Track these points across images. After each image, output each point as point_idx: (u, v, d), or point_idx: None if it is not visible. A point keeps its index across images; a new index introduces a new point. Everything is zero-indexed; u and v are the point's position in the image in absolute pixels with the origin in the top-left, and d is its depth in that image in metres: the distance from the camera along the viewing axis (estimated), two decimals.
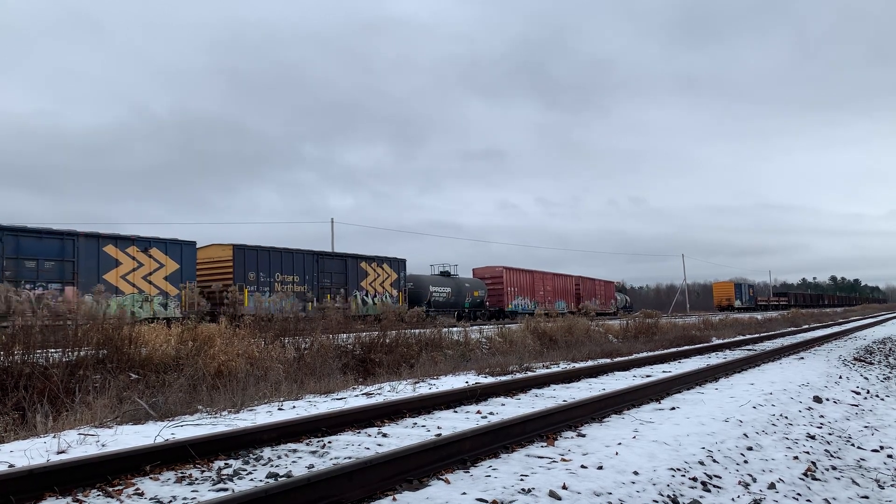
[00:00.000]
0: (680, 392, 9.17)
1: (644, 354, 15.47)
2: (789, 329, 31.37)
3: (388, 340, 14.15)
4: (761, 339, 22.68)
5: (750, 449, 5.96)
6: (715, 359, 14.91)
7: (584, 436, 6.10)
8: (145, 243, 21.14)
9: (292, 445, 5.71)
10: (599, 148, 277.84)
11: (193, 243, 22.90)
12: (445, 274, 37.49)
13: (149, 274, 21.04)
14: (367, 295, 29.34)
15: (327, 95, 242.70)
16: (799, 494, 5.00)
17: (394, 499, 4.08)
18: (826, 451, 6.43)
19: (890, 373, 14.05)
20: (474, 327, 20.11)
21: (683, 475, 4.90)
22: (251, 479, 4.62)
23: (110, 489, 4.34)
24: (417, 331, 15.50)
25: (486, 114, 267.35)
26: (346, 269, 28.53)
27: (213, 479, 4.61)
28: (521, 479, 4.50)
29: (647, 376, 11.15)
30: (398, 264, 31.69)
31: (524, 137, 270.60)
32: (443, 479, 4.49)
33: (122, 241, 20.52)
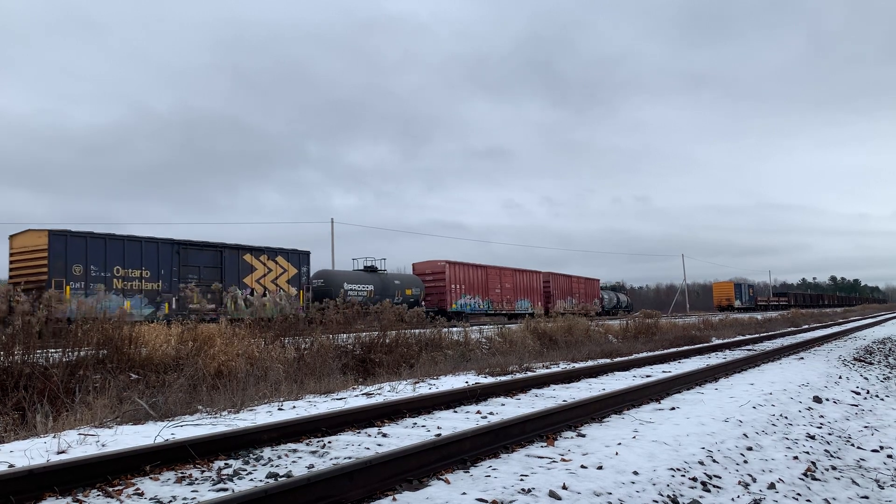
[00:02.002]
0: (680, 392, 9.18)
1: (644, 354, 15.47)
2: (789, 329, 31.37)
3: (388, 340, 14.15)
4: (761, 340, 22.68)
5: (750, 449, 5.96)
6: (715, 359, 14.91)
7: (584, 436, 6.10)
8: None
9: (292, 445, 5.71)
10: (605, 146, 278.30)
11: None
12: (370, 269, 33.25)
13: None
14: (252, 294, 24.52)
15: (331, 93, 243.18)
16: (799, 494, 5.00)
17: (394, 499, 4.08)
18: (826, 451, 6.43)
19: (890, 373, 14.05)
20: (474, 328, 20.10)
21: (683, 475, 4.90)
22: (251, 480, 4.62)
23: (110, 489, 4.34)
24: (417, 331, 15.50)
25: (492, 112, 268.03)
26: (221, 263, 23.80)
27: (213, 479, 4.61)
28: (521, 479, 4.50)
29: (647, 376, 11.16)
30: (299, 257, 26.77)
31: (529, 136, 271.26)
32: (443, 479, 4.49)
33: None
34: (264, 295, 24.73)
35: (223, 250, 24.03)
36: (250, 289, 24.61)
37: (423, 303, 33.56)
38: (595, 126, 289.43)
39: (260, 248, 25.29)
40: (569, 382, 10.45)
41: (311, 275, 28.78)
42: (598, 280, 54.35)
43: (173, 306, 21.77)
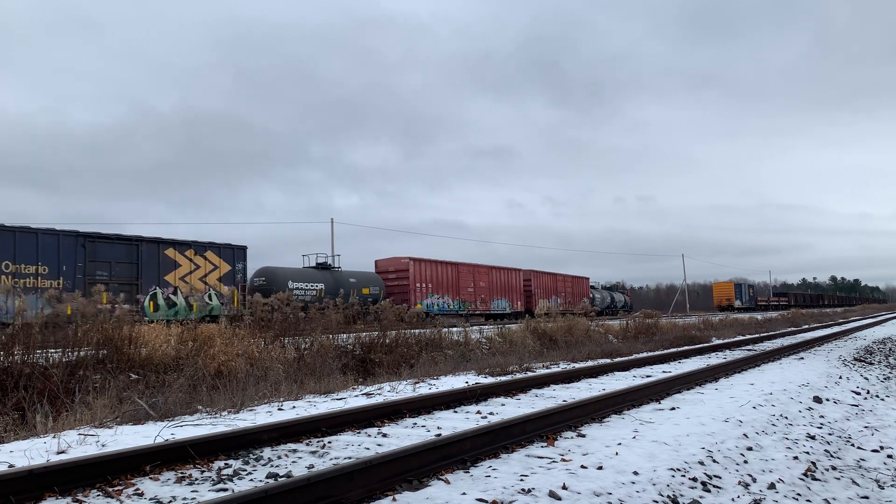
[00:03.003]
0: (680, 392, 9.17)
1: (644, 354, 15.47)
2: (789, 329, 31.37)
3: (388, 341, 14.15)
4: (761, 340, 22.67)
5: (750, 449, 5.96)
6: (715, 359, 14.91)
7: (584, 436, 6.10)
8: None
9: (292, 445, 5.71)
10: (608, 146, 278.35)
11: None
12: (322, 266, 30.63)
13: None
14: (176, 293, 22.00)
15: (333, 93, 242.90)
16: (799, 495, 5.00)
17: (394, 499, 4.08)
18: (826, 451, 6.43)
19: (890, 373, 14.05)
20: (474, 328, 20.10)
21: (683, 475, 4.90)
22: (251, 480, 4.62)
23: (110, 489, 4.34)
24: (417, 331, 15.50)
25: (494, 111, 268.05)
26: (138, 258, 21.33)
27: (213, 480, 4.61)
28: (521, 480, 4.50)
29: (647, 376, 11.15)
30: (233, 253, 24.29)
31: (532, 135, 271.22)
32: (443, 480, 4.49)
33: None
34: (190, 294, 22.33)
35: (140, 244, 21.53)
36: (173, 287, 22.05)
37: (384, 302, 31.19)
38: (598, 125, 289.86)
39: (185, 241, 22.93)
40: (569, 382, 10.45)
41: (253, 272, 27.25)
42: (588, 278, 52.28)
43: (77, 306, 19.76)
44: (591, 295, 51.74)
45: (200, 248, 23.33)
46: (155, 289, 21.47)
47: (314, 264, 30.64)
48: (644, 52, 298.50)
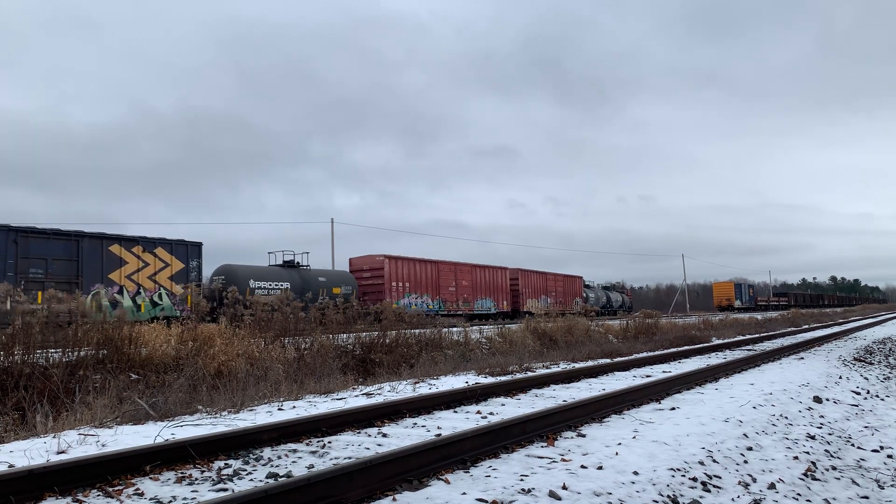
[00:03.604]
0: (680, 392, 9.17)
1: (644, 354, 15.47)
2: (789, 329, 31.37)
3: (388, 340, 14.15)
4: (761, 340, 22.68)
5: (750, 449, 5.96)
6: (715, 359, 14.91)
7: (584, 436, 6.10)
8: None
9: (292, 445, 5.71)
10: (610, 145, 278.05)
11: None
12: (289, 264, 28.92)
13: None
14: (121, 292, 20.43)
15: (335, 92, 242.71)
16: (799, 495, 5.00)
17: (394, 499, 4.08)
18: (826, 451, 6.43)
19: (890, 373, 14.05)
20: (474, 328, 20.10)
21: (683, 475, 4.90)
22: (251, 480, 4.62)
23: (110, 489, 4.34)
24: (417, 331, 15.51)
25: (496, 111, 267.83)
26: (79, 255, 19.84)
27: (213, 480, 4.61)
28: (521, 480, 4.50)
29: (647, 376, 11.15)
30: (187, 249, 22.76)
31: (534, 135, 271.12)
32: (443, 480, 4.49)
33: None
34: (138, 293, 20.84)
35: (80, 240, 19.98)
36: (119, 286, 20.50)
37: (355, 303, 29.60)
38: (600, 125, 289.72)
39: (132, 237, 21.43)
40: (569, 382, 10.45)
41: (214, 270, 25.96)
42: (581, 277, 50.62)
43: (8, 307, 16.66)
44: (584, 295, 50.40)
45: (149, 244, 21.80)
46: (98, 288, 19.69)
47: (281, 262, 29.11)
48: (647, 51, 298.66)
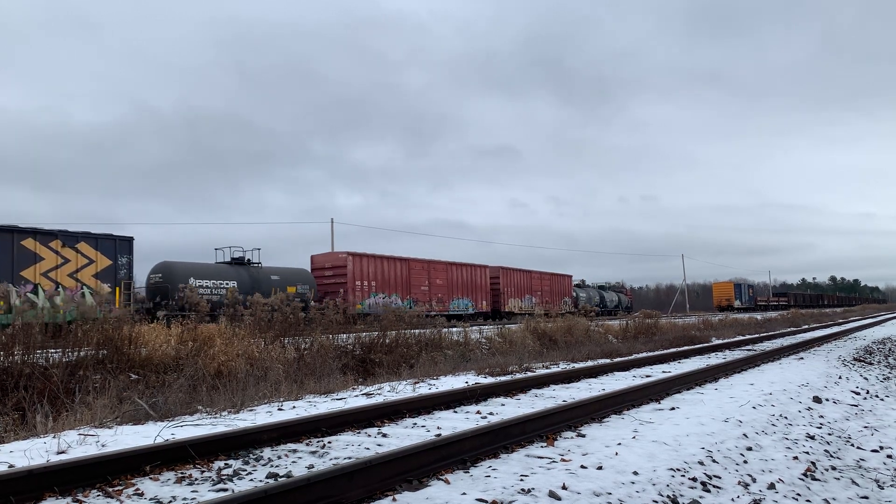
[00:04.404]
0: (679, 392, 9.18)
1: (644, 355, 15.47)
2: (789, 329, 31.38)
3: (388, 341, 14.15)
4: (761, 340, 22.68)
5: (749, 449, 5.96)
6: (714, 359, 14.91)
7: (583, 436, 6.10)
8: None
9: (292, 445, 5.71)
10: (612, 145, 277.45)
11: None
12: (238, 261, 26.93)
13: None
14: (36, 291, 18.57)
15: (336, 91, 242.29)
16: (798, 495, 5.00)
17: (394, 499, 4.08)
18: (826, 451, 6.43)
19: (889, 373, 14.06)
20: (474, 328, 20.10)
21: (683, 475, 4.91)
22: (251, 480, 4.62)
23: (110, 489, 4.34)
24: (417, 331, 15.51)
25: (498, 110, 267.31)
26: None
27: (213, 480, 4.61)
28: (521, 480, 4.50)
29: (647, 376, 11.16)
30: (115, 245, 20.96)
31: (536, 134, 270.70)
32: (443, 480, 4.49)
33: None
34: (55, 293, 18.79)
35: None
36: (33, 284, 18.75)
37: (314, 303, 27.59)
38: (602, 124, 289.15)
39: (50, 231, 19.61)
40: (569, 382, 10.45)
41: (151, 268, 24.38)
42: (570, 276, 48.87)
43: None
44: (574, 294, 48.66)
45: (70, 238, 19.88)
46: (8, 286, 17.39)
47: (228, 259, 27.07)
48: (650, 50, 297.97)
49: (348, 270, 29.82)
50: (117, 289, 20.57)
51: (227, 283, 24.85)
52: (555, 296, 44.94)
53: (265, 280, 26.30)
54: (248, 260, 27.47)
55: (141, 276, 24.21)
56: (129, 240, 21.56)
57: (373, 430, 6.44)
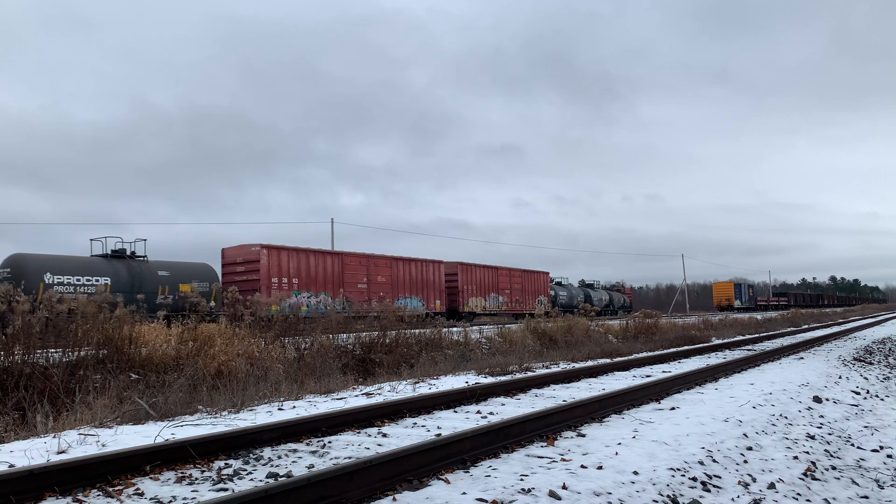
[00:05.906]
0: (680, 392, 9.18)
1: (644, 354, 15.48)
2: (789, 329, 31.39)
3: (388, 340, 14.16)
4: (761, 340, 22.69)
5: (750, 449, 5.96)
6: (715, 359, 14.92)
7: (583, 436, 6.10)
8: None
9: (292, 445, 5.72)
10: (617, 144, 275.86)
11: None
12: (117, 254, 22.95)
13: None
14: None
15: (340, 89, 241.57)
16: (799, 494, 5.00)
17: (394, 499, 4.08)
18: (826, 451, 6.43)
19: (890, 373, 14.06)
20: (474, 328, 20.10)
21: (683, 475, 4.91)
22: (251, 479, 4.62)
23: (110, 489, 4.34)
24: (417, 331, 15.51)
25: (501, 109, 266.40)
26: None
27: (213, 479, 4.61)
28: (521, 479, 4.50)
29: (647, 376, 11.16)
30: None
31: (541, 133, 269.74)
32: (443, 479, 4.50)
33: None
34: None
35: None
36: None
37: (213, 304, 23.09)
38: (607, 123, 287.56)
39: None
40: (569, 382, 10.45)
41: (1, 262, 20.97)
42: (547, 273, 45.41)
43: None
44: (552, 293, 45.23)
45: None
46: None
47: (108, 251, 23.14)
48: (657, 48, 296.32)
49: (262, 266, 25.64)
50: None
51: (98, 280, 21.11)
52: (527, 294, 41.72)
53: (149, 276, 22.68)
54: (133, 253, 23.48)
55: None
56: None
57: (373, 430, 6.44)
